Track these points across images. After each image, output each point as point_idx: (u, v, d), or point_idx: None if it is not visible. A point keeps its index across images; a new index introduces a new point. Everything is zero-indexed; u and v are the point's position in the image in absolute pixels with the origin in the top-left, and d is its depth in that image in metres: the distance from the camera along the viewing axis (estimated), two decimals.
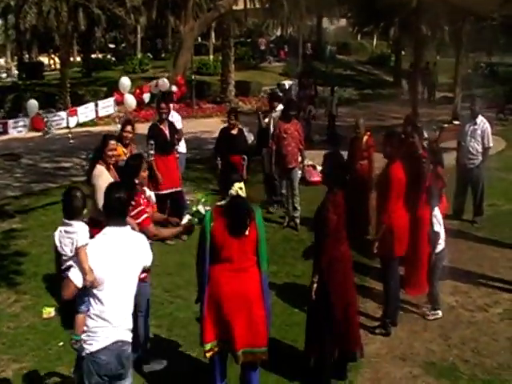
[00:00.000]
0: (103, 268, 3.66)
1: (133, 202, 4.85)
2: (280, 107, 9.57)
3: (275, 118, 9.42)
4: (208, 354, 4.39)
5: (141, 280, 4.96)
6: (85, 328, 3.75)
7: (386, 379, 5.09)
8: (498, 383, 5.06)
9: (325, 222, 4.72)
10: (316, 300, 4.86)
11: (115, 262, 3.70)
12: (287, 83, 20.94)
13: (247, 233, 4.25)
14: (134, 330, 5.12)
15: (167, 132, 8.18)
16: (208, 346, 4.37)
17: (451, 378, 5.11)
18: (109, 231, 3.77)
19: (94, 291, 3.68)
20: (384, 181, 5.83)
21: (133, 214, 4.81)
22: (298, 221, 8.98)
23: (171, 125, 8.32)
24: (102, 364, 3.67)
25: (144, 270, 4.99)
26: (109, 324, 3.70)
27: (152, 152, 8.03)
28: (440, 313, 6.22)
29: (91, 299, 3.71)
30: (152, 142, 8.06)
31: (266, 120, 9.75)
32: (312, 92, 18.13)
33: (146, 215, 4.91)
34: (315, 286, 4.80)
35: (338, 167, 4.97)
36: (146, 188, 5.48)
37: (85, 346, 3.69)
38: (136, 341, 5.17)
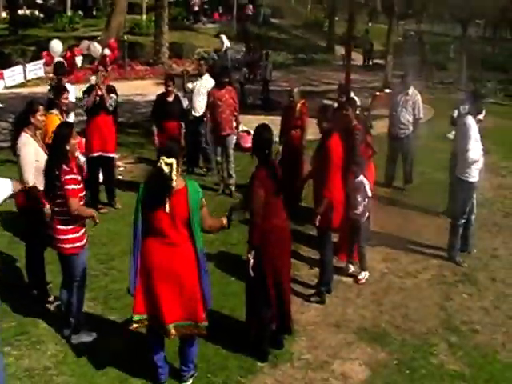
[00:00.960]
0: None
1: (66, 167, 4.68)
2: (207, 76, 9.45)
3: (199, 86, 9.32)
4: (136, 325, 4.35)
5: (74, 250, 4.84)
6: None
7: (322, 346, 5.22)
8: (426, 348, 5.29)
9: (252, 198, 4.75)
10: (249, 272, 4.90)
11: None
12: (225, 40, 20.62)
13: (167, 210, 4.15)
14: (68, 302, 5.03)
15: (103, 93, 7.83)
16: (137, 317, 4.33)
17: (383, 343, 5.30)
18: None
19: None
20: (323, 155, 5.80)
21: (65, 178, 4.66)
22: (233, 188, 8.98)
23: (109, 87, 7.98)
24: None
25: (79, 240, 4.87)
26: None
27: (85, 103, 7.82)
28: (368, 273, 6.49)
29: None
30: (86, 96, 7.79)
31: (190, 85, 9.56)
32: (258, 55, 18.12)
33: (76, 186, 4.73)
34: (252, 262, 4.80)
35: (264, 141, 4.88)
36: (79, 155, 5.29)
37: None
38: (70, 312, 5.05)
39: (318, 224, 5.82)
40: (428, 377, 4.88)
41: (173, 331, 4.31)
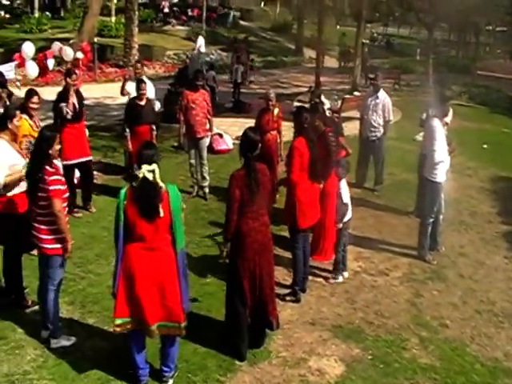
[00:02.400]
0: None
1: (50, 169, 4.72)
2: (144, 79, 9.46)
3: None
4: (118, 329, 4.41)
5: (57, 251, 4.86)
6: None
7: (298, 344, 5.35)
8: (399, 342, 5.48)
9: (228, 195, 4.92)
10: (228, 273, 5.07)
11: None
12: (201, 41, 20.61)
13: (161, 214, 4.25)
14: (44, 306, 5.04)
15: (75, 100, 7.86)
16: (119, 321, 4.39)
17: (357, 339, 5.47)
18: None
19: None
20: (289, 155, 6.03)
21: (49, 179, 4.69)
22: (206, 190, 9.06)
23: (78, 93, 8.01)
24: None
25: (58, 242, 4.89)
26: None
27: (69, 111, 7.73)
28: (341, 278, 6.58)
29: None
30: (64, 104, 7.74)
31: (128, 88, 9.51)
32: (243, 57, 18.21)
33: (61, 186, 4.77)
34: (224, 253, 5.04)
35: (251, 143, 4.97)
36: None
37: None
38: (46, 316, 5.07)
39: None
40: (401, 370, 5.06)
41: (156, 331, 4.39)
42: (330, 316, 5.86)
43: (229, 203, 4.91)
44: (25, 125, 6.33)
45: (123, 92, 9.50)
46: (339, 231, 6.53)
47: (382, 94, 9.55)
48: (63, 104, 7.72)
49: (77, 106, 7.81)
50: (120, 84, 9.81)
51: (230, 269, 5.04)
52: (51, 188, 4.70)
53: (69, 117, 7.75)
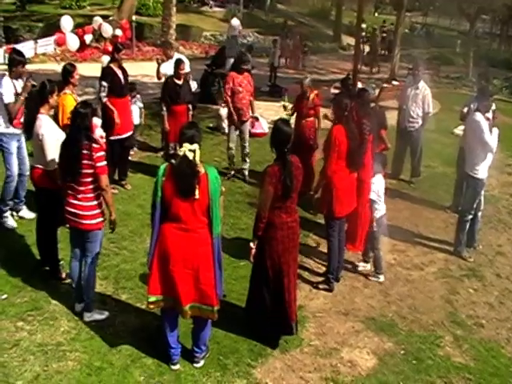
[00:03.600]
0: None
1: (96, 145, 4.75)
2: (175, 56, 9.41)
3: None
4: (151, 306, 4.42)
5: (98, 225, 4.88)
6: None
7: (330, 333, 5.30)
8: (433, 339, 5.38)
9: (260, 192, 4.80)
10: (255, 263, 4.97)
11: None
12: (234, 24, 20.38)
13: (197, 196, 4.19)
14: (80, 280, 5.08)
15: (120, 75, 7.89)
16: (152, 298, 4.39)
17: (390, 333, 5.39)
18: None
19: None
20: (326, 142, 5.94)
21: (96, 156, 4.69)
22: (246, 173, 9.04)
23: (122, 68, 8.02)
24: None
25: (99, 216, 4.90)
26: None
27: (104, 94, 7.75)
28: (382, 278, 6.39)
29: None
30: (105, 84, 7.75)
31: (163, 71, 9.46)
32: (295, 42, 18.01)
33: (105, 162, 4.80)
34: (254, 251, 4.88)
35: (283, 137, 4.77)
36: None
37: None
38: (81, 290, 5.10)
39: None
40: (434, 368, 4.98)
41: (189, 312, 4.38)
42: (363, 307, 5.79)
43: (261, 200, 4.78)
44: (70, 100, 6.34)
45: (159, 76, 9.56)
46: (372, 228, 6.39)
47: (422, 84, 9.31)
48: (104, 83, 7.73)
49: (122, 80, 7.82)
50: (155, 63, 9.85)
51: (257, 260, 4.91)
52: (98, 165, 4.71)
53: (103, 95, 7.75)
